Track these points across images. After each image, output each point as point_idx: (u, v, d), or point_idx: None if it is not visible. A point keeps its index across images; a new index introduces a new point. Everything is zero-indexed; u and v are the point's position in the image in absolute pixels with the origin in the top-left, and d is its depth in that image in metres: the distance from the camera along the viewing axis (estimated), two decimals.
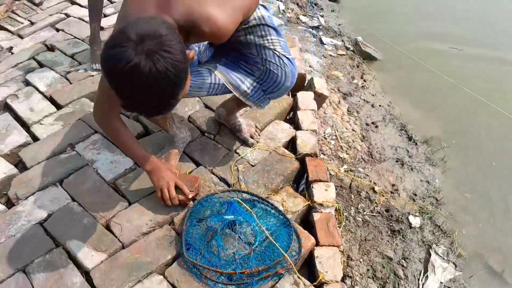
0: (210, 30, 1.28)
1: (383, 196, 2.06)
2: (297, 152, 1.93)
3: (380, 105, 2.80)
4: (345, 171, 2.13)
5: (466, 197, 2.24)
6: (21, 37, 2.81)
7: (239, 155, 1.90)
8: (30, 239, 1.56)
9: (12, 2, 3.14)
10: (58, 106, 2.21)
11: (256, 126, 2.02)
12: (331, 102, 2.54)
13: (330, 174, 2.02)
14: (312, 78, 2.36)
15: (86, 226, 1.60)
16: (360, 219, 1.93)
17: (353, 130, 2.45)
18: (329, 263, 1.50)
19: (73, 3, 3.17)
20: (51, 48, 2.68)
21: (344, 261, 1.73)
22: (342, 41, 3.53)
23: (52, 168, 1.84)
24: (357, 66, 3.19)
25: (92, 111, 1.58)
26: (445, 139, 2.60)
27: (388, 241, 1.89)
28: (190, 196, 1.61)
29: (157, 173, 1.59)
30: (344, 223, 1.86)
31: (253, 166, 1.87)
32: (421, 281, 1.77)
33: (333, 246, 1.56)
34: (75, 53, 2.59)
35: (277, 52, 1.55)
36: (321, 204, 1.71)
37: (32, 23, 2.94)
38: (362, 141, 2.42)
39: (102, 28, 2.69)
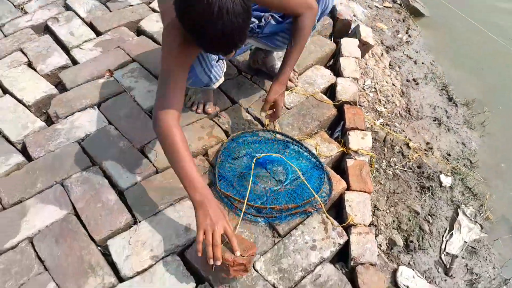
0: None
1: (416, 152, 2.02)
2: (335, 98, 1.89)
3: (423, 63, 2.68)
4: (380, 124, 2.09)
5: (501, 166, 2.18)
6: None
7: None
8: (68, 155, 1.61)
9: None
10: (98, 33, 2.21)
11: (294, 70, 1.97)
12: (373, 54, 2.44)
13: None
14: (358, 26, 2.26)
15: (121, 149, 1.63)
16: (391, 172, 1.91)
17: (393, 84, 2.37)
18: (359, 207, 1.50)
19: None
20: None
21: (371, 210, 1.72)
22: None
23: (90, 91, 1.86)
24: (403, 21, 3.04)
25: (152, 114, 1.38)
26: (487, 104, 2.49)
27: (416, 197, 1.87)
28: (237, 254, 1.20)
29: (206, 209, 1.22)
30: (374, 174, 1.84)
31: (288, 109, 1.85)
32: (445, 237, 1.76)
33: (364, 192, 1.55)
34: None
35: None
36: (356, 152, 1.69)
37: None
38: (401, 96, 2.34)
39: None
